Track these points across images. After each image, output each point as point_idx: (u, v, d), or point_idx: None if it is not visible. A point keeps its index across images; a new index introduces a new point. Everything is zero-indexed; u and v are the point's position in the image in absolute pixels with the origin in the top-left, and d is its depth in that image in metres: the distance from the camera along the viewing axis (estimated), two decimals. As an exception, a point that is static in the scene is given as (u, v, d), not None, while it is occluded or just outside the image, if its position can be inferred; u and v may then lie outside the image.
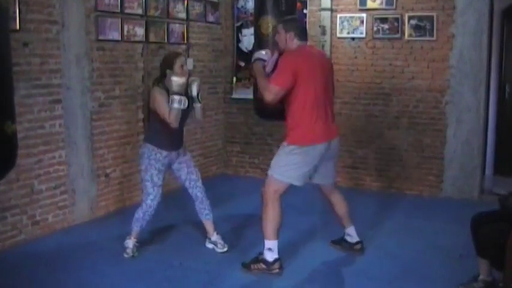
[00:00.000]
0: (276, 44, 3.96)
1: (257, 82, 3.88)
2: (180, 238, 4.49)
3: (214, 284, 3.65)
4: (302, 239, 4.47)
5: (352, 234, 4.11)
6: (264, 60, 3.91)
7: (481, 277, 3.34)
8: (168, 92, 3.80)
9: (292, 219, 4.95)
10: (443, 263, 3.95)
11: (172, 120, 3.77)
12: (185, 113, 3.92)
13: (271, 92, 3.64)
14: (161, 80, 3.94)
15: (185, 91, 3.83)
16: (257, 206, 5.36)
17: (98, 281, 3.66)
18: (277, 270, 3.74)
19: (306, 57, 3.77)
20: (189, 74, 3.99)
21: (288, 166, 3.72)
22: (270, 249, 3.75)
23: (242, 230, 4.68)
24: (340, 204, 4.09)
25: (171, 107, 3.75)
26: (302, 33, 3.90)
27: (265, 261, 3.75)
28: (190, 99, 3.92)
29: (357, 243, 4.11)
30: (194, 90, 3.94)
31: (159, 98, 3.84)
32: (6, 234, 4.18)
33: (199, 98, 3.98)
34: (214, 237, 4.22)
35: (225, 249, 4.16)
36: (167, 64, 3.91)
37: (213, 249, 4.19)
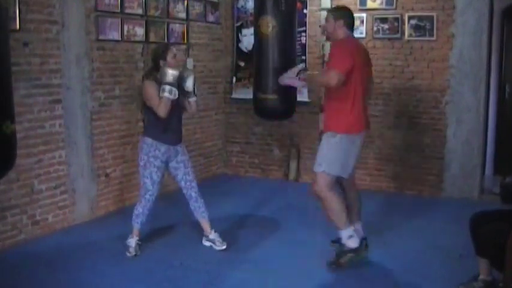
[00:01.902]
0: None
1: (317, 83, 4.00)
2: (180, 238, 4.49)
3: (214, 283, 3.65)
4: (302, 238, 4.47)
5: (358, 230, 4.07)
6: (306, 69, 4.06)
7: (481, 277, 3.34)
8: (160, 84, 3.84)
9: (291, 219, 4.96)
10: (443, 263, 3.95)
11: (162, 109, 3.80)
12: (179, 105, 3.95)
13: (335, 78, 3.58)
14: (152, 72, 3.97)
15: (177, 83, 3.85)
16: (257, 206, 5.41)
17: (98, 281, 3.66)
18: (365, 252, 3.86)
19: (356, 46, 3.85)
20: (183, 64, 4.02)
21: (338, 158, 3.73)
22: (350, 236, 3.79)
23: (242, 230, 4.68)
24: (354, 198, 4.08)
25: (161, 96, 3.78)
26: (350, 24, 3.92)
27: (352, 249, 3.80)
28: (186, 93, 3.97)
29: (362, 239, 4.05)
30: (190, 85, 3.96)
31: (150, 91, 3.87)
32: (6, 234, 4.18)
33: (194, 91, 4.00)
34: (212, 235, 4.22)
35: (224, 246, 4.16)
36: (159, 56, 3.93)
37: (211, 247, 4.19)
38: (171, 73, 3.78)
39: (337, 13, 3.91)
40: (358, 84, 3.72)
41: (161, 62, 3.91)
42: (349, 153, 3.77)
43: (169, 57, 3.91)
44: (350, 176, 3.97)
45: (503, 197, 3.24)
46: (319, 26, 6.03)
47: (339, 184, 4.06)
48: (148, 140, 3.96)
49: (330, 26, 3.89)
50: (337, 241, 4.18)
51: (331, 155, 3.74)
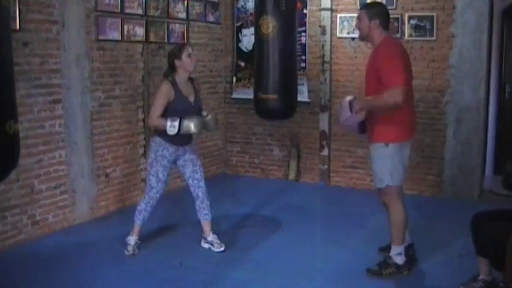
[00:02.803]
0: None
1: (377, 106, 3.51)
2: (180, 238, 4.49)
3: (214, 284, 3.65)
4: (302, 238, 4.47)
5: (405, 238, 3.83)
6: (354, 98, 3.62)
7: (481, 277, 3.34)
8: (174, 87, 3.87)
9: (291, 219, 4.96)
10: (443, 263, 3.95)
11: (152, 123, 3.89)
12: (196, 112, 3.97)
13: (397, 94, 3.32)
14: (170, 73, 3.96)
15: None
16: (257, 206, 5.41)
17: (98, 280, 3.66)
18: (407, 272, 3.73)
19: (401, 47, 3.62)
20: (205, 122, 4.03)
21: (399, 166, 3.61)
22: (400, 253, 3.71)
23: (242, 230, 4.68)
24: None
25: (164, 123, 3.79)
26: (387, 21, 3.63)
27: (396, 265, 3.71)
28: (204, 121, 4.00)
29: (410, 246, 3.94)
30: (211, 125, 4.06)
31: (160, 94, 3.88)
32: (6, 234, 4.18)
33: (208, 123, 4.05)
34: (211, 237, 4.22)
35: (222, 248, 4.16)
36: (175, 55, 3.92)
37: (209, 248, 4.19)
38: (197, 128, 3.82)
39: (372, 11, 3.59)
40: (408, 87, 3.48)
41: (176, 62, 3.89)
42: (401, 161, 3.63)
43: (184, 56, 3.88)
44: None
45: (506, 184, 3.20)
46: (319, 26, 6.04)
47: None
48: (158, 139, 3.96)
49: (364, 26, 3.59)
50: (385, 249, 4.05)
51: (390, 167, 3.59)
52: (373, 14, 3.57)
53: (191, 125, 3.78)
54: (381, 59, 3.49)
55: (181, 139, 3.96)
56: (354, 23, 5.85)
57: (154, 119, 3.86)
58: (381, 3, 3.92)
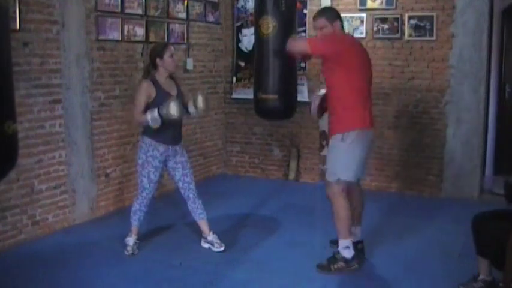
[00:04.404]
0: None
1: (294, 46, 3.93)
2: (179, 238, 4.49)
3: (214, 284, 3.65)
4: (302, 238, 4.47)
5: (356, 234, 4.09)
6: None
7: (481, 277, 3.34)
8: (154, 84, 3.87)
9: (291, 219, 4.96)
10: (443, 263, 3.95)
11: (135, 120, 3.89)
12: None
13: (312, 47, 3.70)
14: (150, 70, 3.98)
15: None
16: (257, 206, 5.41)
17: (98, 280, 3.66)
18: (356, 266, 3.78)
19: (353, 42, 3.76)
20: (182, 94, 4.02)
21: (351, 162, 3.69)
22: (347, 247, 3.77)
23: (242, 230, 4.68)
24: (357, 202, 4.05)
25: (145, 117, 3.77)
26: (342, 23, 3.84)
27: (345, 260, 3.77)
28: (191, 109, 3.93)
29: (358, 242, 4.11)
30: (200, 104, 3.91)
31: (139, 91, 3.90)
32: (6, 234, 4.18)
33: (197, 108, 3.96)
34: (211, 236, 4.22)
35: (222, 248, 4.16)
36: (158, 53, 3.93)
37: (209, 248, 4.19)
38: (175, 109, 3.72)
39: (332, 14, 3.78)
40: (359, 81, 3.67)
41: (158, 60, 3.91)
42: (358, 154, 3.69)
43: (166, 56, 3.91)
44: (356, 179, 3.91)
45: (508, 197, 3.23)
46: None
47: (347, 194, 3.99)
48: (147, 140, 3.96)
49: (328, 31, 3.75)
50: (336, 243, 4.19)
51: (342, 160, 3.68)
52: (333, 17, 3.75)
53: (170, 108, 3.71)
54: (326, 35, 3.75)
55: (170, 137, 3.97)
56: (353, 23, 5.94)
57: (137, 116, 3.89)
58: (332, 7, 4.12)
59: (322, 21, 3.77)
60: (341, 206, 3.73)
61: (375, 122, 5.84)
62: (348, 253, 3.77)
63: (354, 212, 4.03)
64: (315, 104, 3.97)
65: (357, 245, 4.08)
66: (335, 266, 3.78)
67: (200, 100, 3.91)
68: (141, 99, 3.87)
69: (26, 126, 4.22)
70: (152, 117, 3.75)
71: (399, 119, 5.90)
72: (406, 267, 3.90)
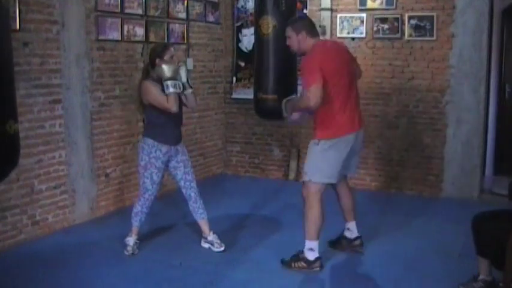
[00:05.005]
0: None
1: (300, 106, 3.75)
2: (179, 238, 4.49)
3: (214, 284, 3.65)
4: (302, 238, 4.46)
5: (352, 229, 4.11)
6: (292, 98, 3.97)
7: (481, 277, 3.34)
8: (160, 82, 3.83)
9: (291, 219, 4.96)
10: (443, 263, 3.95)
11: (172, 104, 3.78)
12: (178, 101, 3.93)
13: (311, 94, 3.50)
14: (148, 70, 3.98)
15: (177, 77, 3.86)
16: (257, 206, 5.40)
17: (98, 280, 3.66)
18: (318, 268, 3.78)
19: (326, 52, 3.72)
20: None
21: (324, 166, 3.70)
22: (311, 249, 3.78)
23: (242, 230, 4.69)
24: (346, 197, 4.08)
25: (168, 93, 3.77)
26: (313, 29, 3.81)
27: (306, 260, 3.78)
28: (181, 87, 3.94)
29: (356, 238, 4.12)
30: (183, 76, 3.94)
31: (152, 90, 3.85)
32: (6, 234, 4.18)
33: (189, 83, 3.99)
34: (211, 236, 4.21)
35: (222, 248, 4.16)
36: (157, 54, 3.92)
37: (209, 248, 4.19)
38: (168, 68, 3.78)
39: (296, 26, 3.76)
40: (336, 88, 3.62)
41: (157, 61, 3.89)
42: (336, 158, 3.70)
43: (166, 57, 3.90)
44: (342, 176, 3.92)
45: (504, 214, 3.23)
46: (319, 26, 6.03)
47: (335, 191, 4.06)
48: (149, 141, 3.95)
49: (293, 41, 3.76)
50: (336, 241, 4.20)
51: (318, 163, 3.71)
52: (298, 28, 3.75)
53: (163, 70, 3.77)
54: (301, 67, 3.74)
55: (171, 137, 3.97)
56: (353, 23, 5.94)
57: (167, 104, 3.80)
58: (301, 16, 4.10)
59: (288, 30, 3.82)
60: (312, 207, 3.74)
61: (374, 122, 5.93)
62: (311, 255, 3.78)
63: (344, 207, 4.09)
64: (292, 117, 3.93)
65: (355, 241, 4.09)
66: (296, 265, 3.82)
67: (183, 69, 3.94)
68: (157, 92, 3.83)
69: (26, 126, 4.22)
70: (171, 85, 3.75)
71: (399, 119, 5.90)
72: (406, 267, 3.90)
